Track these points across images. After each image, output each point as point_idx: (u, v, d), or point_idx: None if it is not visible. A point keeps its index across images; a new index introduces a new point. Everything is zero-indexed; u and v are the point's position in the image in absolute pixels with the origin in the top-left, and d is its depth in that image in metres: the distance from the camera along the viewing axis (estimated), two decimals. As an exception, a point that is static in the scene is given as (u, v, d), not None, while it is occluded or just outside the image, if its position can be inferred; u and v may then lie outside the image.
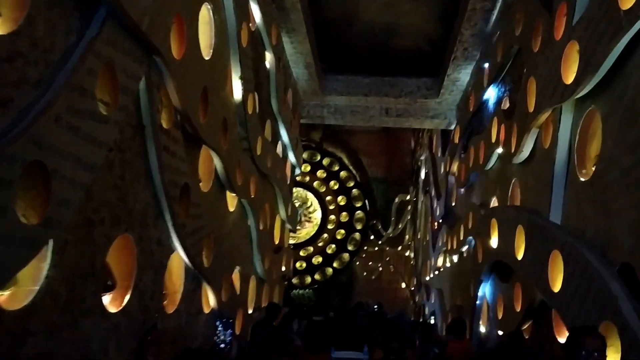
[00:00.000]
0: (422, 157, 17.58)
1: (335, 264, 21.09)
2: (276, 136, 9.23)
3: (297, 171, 11.65)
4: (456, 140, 10.11)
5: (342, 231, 21.20)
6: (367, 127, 22.25)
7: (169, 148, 4.33)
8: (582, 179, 4.22)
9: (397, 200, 22.33)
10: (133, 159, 3.97)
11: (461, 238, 9.26)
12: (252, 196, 7.35)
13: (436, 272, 12.99)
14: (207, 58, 5.28)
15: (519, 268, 5.09)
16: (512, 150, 5.76)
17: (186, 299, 5.23)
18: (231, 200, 6.70)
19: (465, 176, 9.07)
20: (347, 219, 21.28)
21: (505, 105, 6.87)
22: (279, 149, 9.54)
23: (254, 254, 7.91)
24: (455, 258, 10.22)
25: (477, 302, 7.35)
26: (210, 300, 5.92)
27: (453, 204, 10.72)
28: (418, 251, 18.16)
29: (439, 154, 13.32)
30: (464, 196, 9.70)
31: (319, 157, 21.30)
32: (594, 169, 4.11)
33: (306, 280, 20.80)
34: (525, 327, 5.40)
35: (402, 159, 23.27)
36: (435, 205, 13.56)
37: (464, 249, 9.22)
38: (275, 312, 7.13)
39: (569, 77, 4.13)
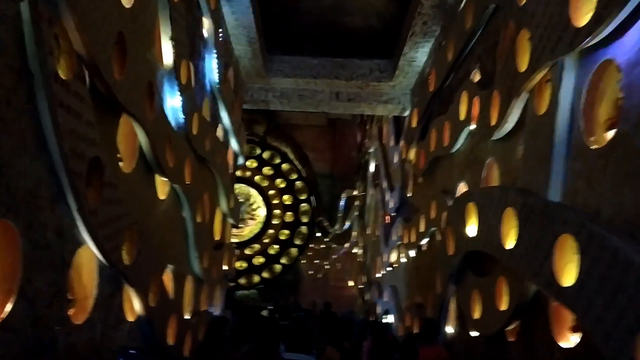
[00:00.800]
0: (371, 150, 16.85)
1: (283, 260, 20.20)
2: (216, 118, 8.18)
3: (241, 160, 10.61)
4: (414, 125, 9.33)
5: (287, 231, 20.34)
6: (312, 121, 21.55)
7: (69, 106, 3.25)
8: (593, 148, 3.44)
9: (344, 196, 21.79)
10: (15, 118, 2.89)
11: (421, 230, 8.48)
12: (188, 182, 6.29)
13: (389, 269, 12.23)
14: (127, 6, 4.23)
15: (508, 259, 4.28)
16: (493, 123, 4.96)
17: (102, 306, 4.17)
18: (162, 187, 5.62)
19: (425, 162, 8.29)
20: (292, 218, 20.45)
21: (476, 77, 6.10)
22: (220, 134, 8.48)
23: (190, 250, 6.84)
24: (412, 252, 9.45)
25: (445, 299, 6.55)
26: (135, 305, 4.88)
27: (409, 195, 9.94)
28: (367, 247, 17.46)
29: (392, 143, 12.54)
30: (422, 185, 8.92)
31: (258, 151, 20.33)
32: (609, 135, 3.33)
33: (254, 280, 19.79)
34: (510, 328, 4.61)
35: (348, 154, 22.79)
36: (387, 198, 12.79)
37: (424, 241, 8.45)
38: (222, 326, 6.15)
39: (581, 19, 3.33)
